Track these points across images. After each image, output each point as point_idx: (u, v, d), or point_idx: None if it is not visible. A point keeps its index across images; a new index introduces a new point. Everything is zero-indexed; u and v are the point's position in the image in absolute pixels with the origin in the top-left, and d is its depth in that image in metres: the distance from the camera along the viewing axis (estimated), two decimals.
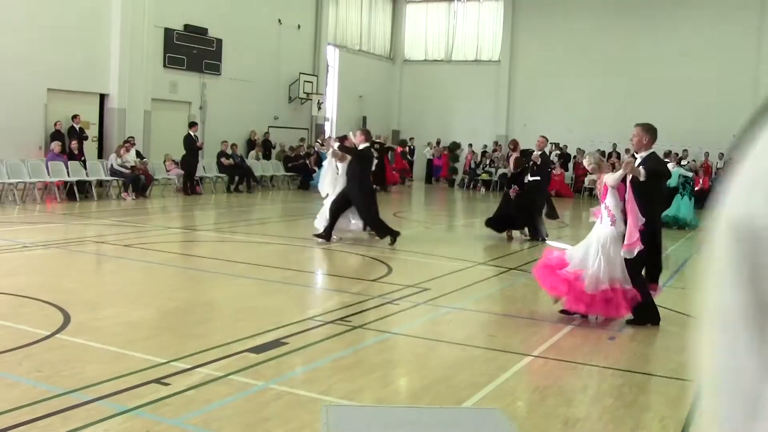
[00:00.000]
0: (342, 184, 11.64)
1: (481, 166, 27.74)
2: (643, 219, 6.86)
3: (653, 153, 7.44)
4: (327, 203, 11.84)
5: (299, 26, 26.20)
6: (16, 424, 4.10)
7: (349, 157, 11.57)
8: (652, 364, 5.97)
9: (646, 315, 7.15)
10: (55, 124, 17.53)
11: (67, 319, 6.36)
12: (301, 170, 22.98)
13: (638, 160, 7.36)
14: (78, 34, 18.34)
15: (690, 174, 17.55)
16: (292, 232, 14.10)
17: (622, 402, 5.01)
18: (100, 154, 19.17)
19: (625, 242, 6.81)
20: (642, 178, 6.97)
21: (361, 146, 11.68)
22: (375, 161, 17.49)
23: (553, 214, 14.54)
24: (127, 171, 17.63)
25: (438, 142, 28.95)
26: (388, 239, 11.57)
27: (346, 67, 29.53)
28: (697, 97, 26.38)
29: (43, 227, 12.77)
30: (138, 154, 18.50)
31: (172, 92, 21.49)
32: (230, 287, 8.13)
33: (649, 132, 7.44)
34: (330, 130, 26.56)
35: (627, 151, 25.60)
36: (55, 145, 16.72)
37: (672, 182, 15.85)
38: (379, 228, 11.73)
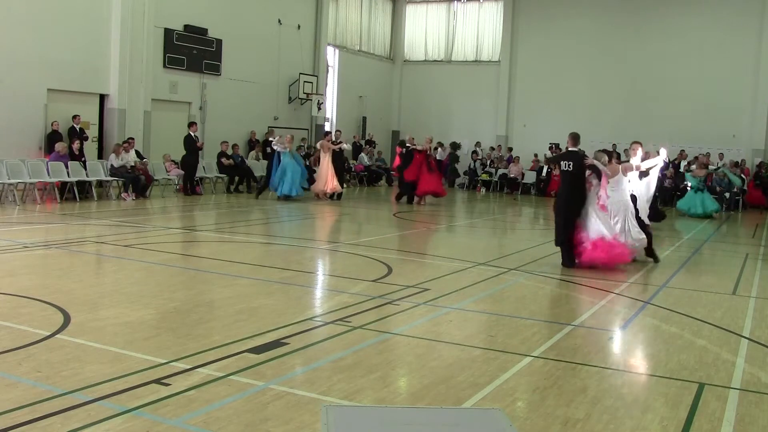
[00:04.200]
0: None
1: (481, 165, 27.78)
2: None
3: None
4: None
5: (299, 26, 26.22)
6: (16, 424, 4.11)
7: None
8: (652, 364, 5.96)
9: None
10: (52, 125, 17.54)
11: (67, 319, 6.37)
12: None
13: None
14: (78, 34, 18.36)
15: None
16: (292, 233, 14.10)
17: (622, 402, 5.01)
18: (100, 155, 19.18)
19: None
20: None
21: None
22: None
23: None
24: (127, 171, 17.64)
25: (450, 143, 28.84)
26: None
27: (346, 67, 29.55)
28: (697, 97, 26.39)
29: (43, 227, 12.78)
30: (138, 155, 18.51)
31: (172, 92, 21.51)
32: (230, 287, 8.13)
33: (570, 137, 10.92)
34: (332, 130, 26.53)
35: (625, 151, 25.61)
36: (61, 147, 16.72)
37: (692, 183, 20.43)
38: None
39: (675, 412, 4.86)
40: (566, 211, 10.68)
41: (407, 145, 20.14)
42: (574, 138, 10.88)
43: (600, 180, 10.61)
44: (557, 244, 10.88)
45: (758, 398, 5.24)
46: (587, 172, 10.68)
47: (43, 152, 17.49)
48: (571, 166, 10.68)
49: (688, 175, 21.13)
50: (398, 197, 20.24)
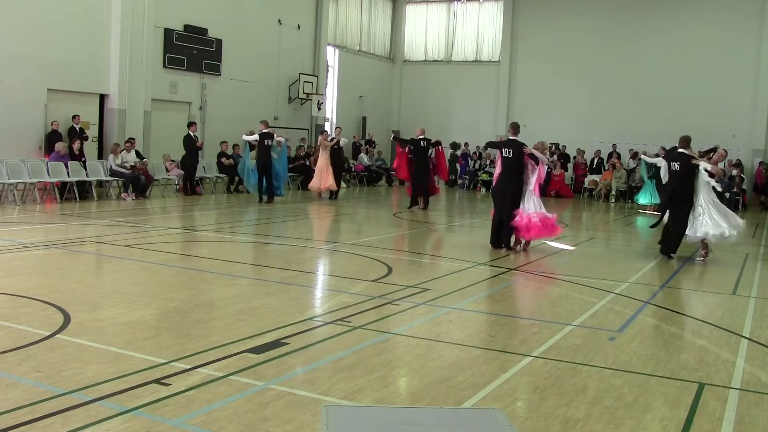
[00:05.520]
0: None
1: (480, 165, 27.79)
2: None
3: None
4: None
5: (299, 26, 26.22)
6: (16, 424, 4.11)
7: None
8: (652, 364, 5.96)
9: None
10: (52, 124, 17.54)
11: (67, 319, 6.36)
12: (301, 170, 22.98)
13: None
14: (78, 35, 18.36)
15: (652, 160, 20.71)
16: (291, 233, 14.10)
17: (622, 402, 5.01)
18: (100, 155, 19.18)
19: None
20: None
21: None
22: None
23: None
24: (127, 171, 17.64)
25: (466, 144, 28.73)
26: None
27: (346, 67, 29.55)
28: (697, 97, 26.39)
29: (43, 227, 12.78)
30: (138, 155, 18.51)
31: (172, 92, 21.51)
32: (230, 287, 8.13)
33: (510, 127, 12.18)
34: (331, 130, 26.54)
35: (631, 150, 25.66)
36: (61, 147, 16.71)
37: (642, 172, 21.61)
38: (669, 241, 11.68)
39: (675, 412, 4.86)
40: (504, 195, 11.65)
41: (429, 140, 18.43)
42: (515, 127, 12.12)
43: (537, 165, 11.60)
44: (493, 226, 11.94)
45: (758, 398, 5.24)
46: (525, 158, 11.60)
47: (43, 152, 17.49)
48: (511, 153, 11.66)
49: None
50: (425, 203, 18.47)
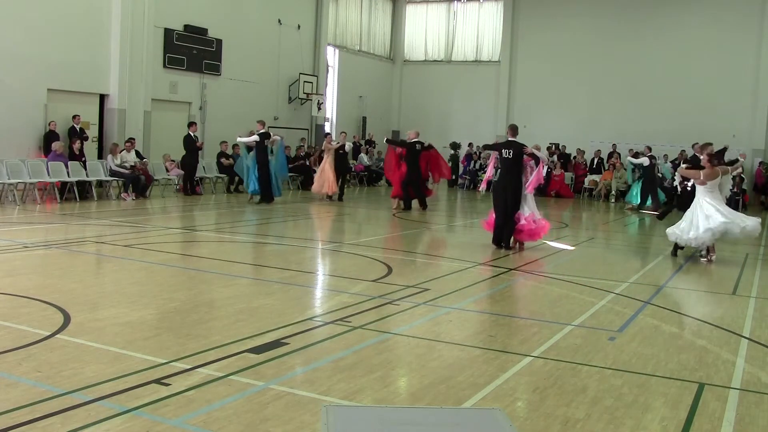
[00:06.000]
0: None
1: (481, 165, 27.79)
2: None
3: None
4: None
5: (299, 26, 26.23)
6: (16, 424, 4.11)
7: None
8: (652, 364, 5.96)
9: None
10: (49, 124, 17.52)
11: (67, 319, 6.36)
12: (301, 171, 23.00)
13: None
14: (78, 35, 18.36)
15: (637, 161, 21.53)
16: (291, 233, 14.10)
17: (622, 402, 5.00)
18: (100, 155, 19.19)
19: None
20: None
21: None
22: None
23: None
24: (127, 171, 17.64)
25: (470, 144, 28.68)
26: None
27: (346, 67, 29.56)
28: (697, 97, 26.39)
29: (43, 227, 12.78)
30: (138, 155, 18.51)
31: (172, 92, 21.51)
32: (230, 287, 8.13)
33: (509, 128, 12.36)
34: (332, 130, 26.56)
35: (630, 151, 25.64)
36: (58, 146, 16.71)
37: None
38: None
39: (675, 412, 4.86)
40: (504, 193, 11.79)
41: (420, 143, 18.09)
42: (513, 129, 12.27)
43: (537, 165, 11.87)
44: (496, 225, 11.98)
45: (758, 398, 5.23)
46: (525, 159, 11.83)
47: (42, 152, 17.49)
48: (510, 154, 11.82)
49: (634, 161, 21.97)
50: (423, 205, 18.22)
